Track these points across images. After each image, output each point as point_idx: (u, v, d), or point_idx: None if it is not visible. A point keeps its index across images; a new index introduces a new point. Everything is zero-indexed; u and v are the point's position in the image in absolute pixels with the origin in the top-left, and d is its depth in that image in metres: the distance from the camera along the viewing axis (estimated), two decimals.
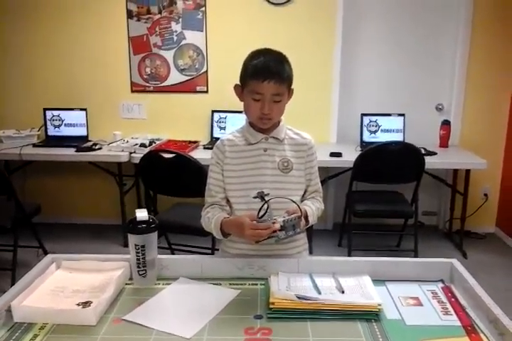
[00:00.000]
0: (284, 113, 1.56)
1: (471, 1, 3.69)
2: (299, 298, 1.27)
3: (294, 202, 1.43)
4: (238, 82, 1.56)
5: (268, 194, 1.47)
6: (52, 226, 3.90)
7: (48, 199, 3.92)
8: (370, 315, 1.24)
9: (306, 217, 1.50)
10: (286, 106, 1.55)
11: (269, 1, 3.75)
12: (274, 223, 1.37)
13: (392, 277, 1.45)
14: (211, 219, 1.55)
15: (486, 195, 4.01)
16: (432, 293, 1.38)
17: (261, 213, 1.42)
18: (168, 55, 3.92)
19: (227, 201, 1.61)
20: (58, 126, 3.90)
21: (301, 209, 1.42)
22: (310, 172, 1.62)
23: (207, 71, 3.92)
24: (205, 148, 3.68)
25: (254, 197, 1.47)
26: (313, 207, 1.57)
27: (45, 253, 3.27)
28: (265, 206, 1.42)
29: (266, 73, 1.45)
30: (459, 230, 3.71)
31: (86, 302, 1.28)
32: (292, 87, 1.55)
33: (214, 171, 1.60)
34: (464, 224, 3.66)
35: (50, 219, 3.95)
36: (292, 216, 1.40)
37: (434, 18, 3.83)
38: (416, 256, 3.32)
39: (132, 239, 1.38)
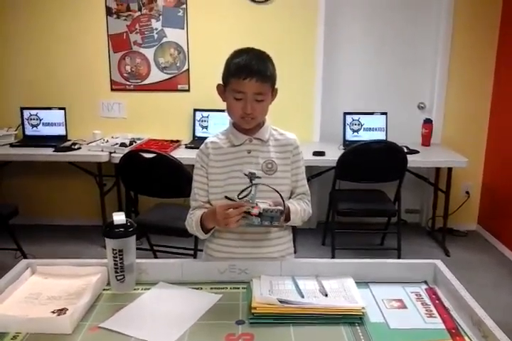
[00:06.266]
0: (268, 113, 1.53)
1: (451, 0, 3.70)
2: (281, 302, 1.24)
3: (280, 195, 1.36)
4: (220, 81, 1.53)
5: (260, 177, 1.38)
6: (31, 228, 3.81)
7: (26, 200, 3.84)
8: (353, 319, 1.22)
9: (288, 214, 1.47)
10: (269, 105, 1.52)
11: None
12: (254, 207, 1.33)
13: (376, 278, 1.43)
14: (192, 218, 1.53)
15: (467, 192, 4.03)
16: (416, 294, 1.36)
17: (243, 194, 1.36)
18: (149, 52, 3.86)
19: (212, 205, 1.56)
20: (36, 126, 3.82)
21: (285, 205, 1.38)
22: (296, 172, 1.58)
23: (188, 69, 3.87)
24: (187, 147, 3.63)
25: (245, 175, 1.39)
26: (298, 207, 1.53)
27: (24, 255, 3.20)
28: (252, 189, 1.35)
29: (247, 71, 1.41)
30: (442, 228, 3.73)
31: (61, 310, 1.24)
32: (276, 86, 1.52)
33: (198, 174, 1.57)
34: (446, 222, 3.68)
35: (29, 220, 3.86)
36: (275, 207, 1.35)
37: (415, 17, 3.83)
38: (399, 254, 3.33)
39: (109, 244, 1.34)
